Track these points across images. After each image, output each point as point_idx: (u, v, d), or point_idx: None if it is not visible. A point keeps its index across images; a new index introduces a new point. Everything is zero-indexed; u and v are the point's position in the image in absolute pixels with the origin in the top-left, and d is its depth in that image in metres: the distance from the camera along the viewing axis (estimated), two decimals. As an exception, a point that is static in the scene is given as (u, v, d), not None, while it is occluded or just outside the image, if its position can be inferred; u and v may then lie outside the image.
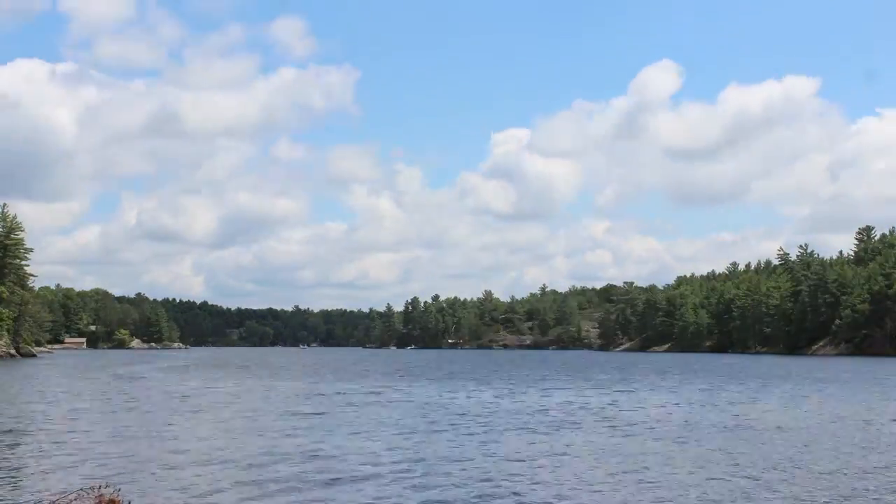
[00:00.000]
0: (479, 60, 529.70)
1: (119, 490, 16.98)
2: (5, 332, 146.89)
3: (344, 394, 61.77)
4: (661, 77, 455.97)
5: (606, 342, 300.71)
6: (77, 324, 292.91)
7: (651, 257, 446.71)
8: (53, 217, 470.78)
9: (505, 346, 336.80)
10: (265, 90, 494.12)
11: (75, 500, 16.17)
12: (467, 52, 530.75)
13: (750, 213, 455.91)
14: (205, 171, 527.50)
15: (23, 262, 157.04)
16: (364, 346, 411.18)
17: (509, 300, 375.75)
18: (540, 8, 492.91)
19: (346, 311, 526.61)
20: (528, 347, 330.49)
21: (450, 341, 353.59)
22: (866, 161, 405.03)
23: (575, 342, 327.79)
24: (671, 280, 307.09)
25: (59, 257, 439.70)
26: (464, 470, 26.47)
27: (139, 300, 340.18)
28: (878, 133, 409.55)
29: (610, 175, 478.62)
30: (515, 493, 23.01)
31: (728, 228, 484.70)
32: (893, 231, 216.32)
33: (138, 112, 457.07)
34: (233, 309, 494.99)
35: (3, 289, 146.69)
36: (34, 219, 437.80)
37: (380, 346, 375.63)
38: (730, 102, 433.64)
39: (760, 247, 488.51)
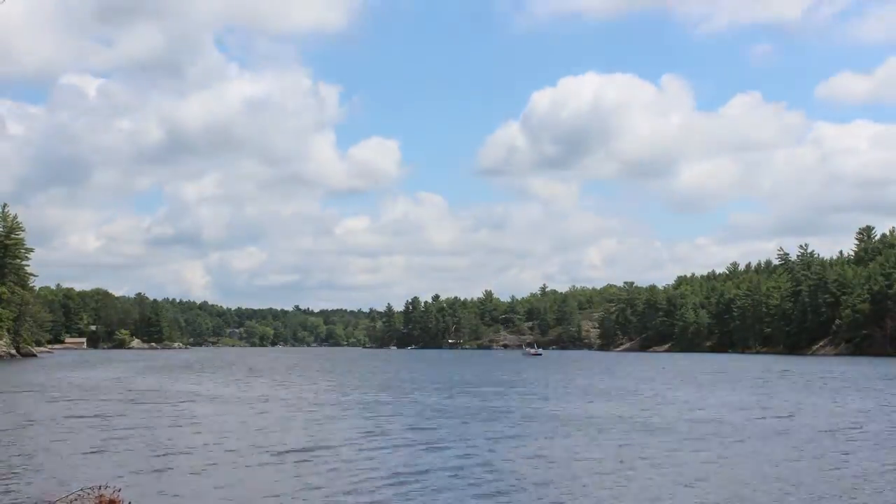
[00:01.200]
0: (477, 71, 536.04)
1: (119, 490, 17.01)
2: (5, 332, 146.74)
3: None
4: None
5: (606, 342, 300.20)
6: (77, 324, 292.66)
7: (645, 259, 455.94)
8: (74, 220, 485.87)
9: (505, 346, 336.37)
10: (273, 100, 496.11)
11: (75, 500, 16.21)
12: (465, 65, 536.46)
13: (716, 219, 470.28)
14: (210, 174, 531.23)
15: (23, 262, 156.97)
16: (364, 347, 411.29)
17: (509, 300, 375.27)
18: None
19: (346, 311, 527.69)
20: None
21: (450, 341, 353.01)
22: (822, 167, 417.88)
23: (575, 342, 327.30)
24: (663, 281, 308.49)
25: (63, 257, 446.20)
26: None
27: (139, 300, 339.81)
28: (834, 141, 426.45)
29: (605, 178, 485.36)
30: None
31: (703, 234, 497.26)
32: (893, 231, 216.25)
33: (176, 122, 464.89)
34: (233, 309, 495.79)
35: (3, 289, 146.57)
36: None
37: (380, 346, 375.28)
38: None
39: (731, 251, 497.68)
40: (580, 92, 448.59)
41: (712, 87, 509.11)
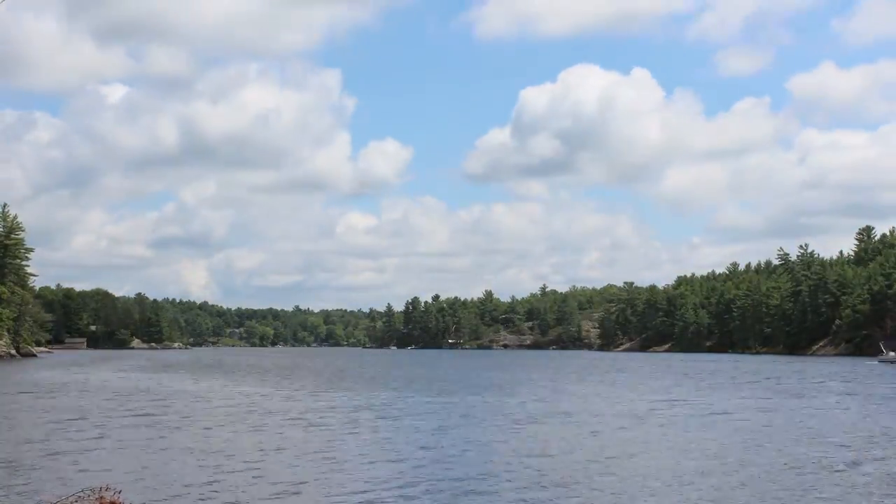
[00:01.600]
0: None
1: (120, 492, 17.00)
2: (5, 332, 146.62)
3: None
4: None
5: (606, 342, 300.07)
6: (77, 324, 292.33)
7: (643, 260, 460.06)
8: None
9: (505, 346, 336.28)
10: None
11: (76, 501, 16.19)
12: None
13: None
14: (212, 177, 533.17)
15: (23, 262, 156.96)
16: (364, 347, 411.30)
17: (509, 300, 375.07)
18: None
19: (346, 311, 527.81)
20: (529, 347, 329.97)
21: (450, 341, 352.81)
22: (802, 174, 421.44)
23: (575, 342, 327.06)
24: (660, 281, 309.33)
25: (64, 258, 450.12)
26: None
27: (139, 300, 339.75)
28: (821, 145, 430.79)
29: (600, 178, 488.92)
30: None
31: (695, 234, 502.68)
32: (893, 231, 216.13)
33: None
34: (233, 309, 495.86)
35: (3, 289, 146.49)
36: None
37: (380, 346, 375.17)
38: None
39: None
40: (571, 93, 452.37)
41: (702, 92, 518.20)
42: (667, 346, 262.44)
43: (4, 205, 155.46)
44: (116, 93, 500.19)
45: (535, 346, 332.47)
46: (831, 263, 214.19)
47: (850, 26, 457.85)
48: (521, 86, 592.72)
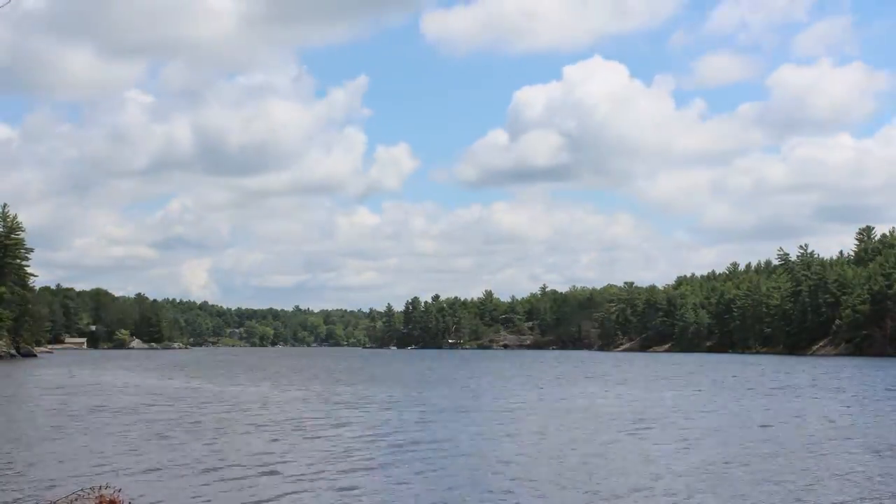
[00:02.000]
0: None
1: (119, 491, 17.01)
2: (5, 332, 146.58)
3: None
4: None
5: (606, 342, 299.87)
6: (77, 324, 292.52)
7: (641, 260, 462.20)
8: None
9: (505, 346, 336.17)
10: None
11: (76, 500, 16.21)
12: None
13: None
14: (211, 178, 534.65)
15: (23, 263, 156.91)
16: (364, 347, 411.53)
17: (509, 300, 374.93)
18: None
19: (346, 311, 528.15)
20: (529, 347, 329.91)
21: (450, 341, 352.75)
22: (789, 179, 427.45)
23: (575, 342, 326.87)
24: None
25: (66, 258, 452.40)
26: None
27: (139, 300, 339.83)
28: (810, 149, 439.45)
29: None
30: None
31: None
32: (893, 231, 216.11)
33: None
34: (233, 309, 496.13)
35: (3, 289, 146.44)
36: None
37: (380, 346, 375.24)
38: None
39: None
40: (565, 94, 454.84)
41: (695, 94, 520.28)
42: (667, 346, 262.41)
43: (4, 205, 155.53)
44: (125, 99, 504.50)
45: (535, 346, 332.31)
46: (831, 263, 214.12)
47: (844, 27, 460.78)
48: (515, 89, 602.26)
